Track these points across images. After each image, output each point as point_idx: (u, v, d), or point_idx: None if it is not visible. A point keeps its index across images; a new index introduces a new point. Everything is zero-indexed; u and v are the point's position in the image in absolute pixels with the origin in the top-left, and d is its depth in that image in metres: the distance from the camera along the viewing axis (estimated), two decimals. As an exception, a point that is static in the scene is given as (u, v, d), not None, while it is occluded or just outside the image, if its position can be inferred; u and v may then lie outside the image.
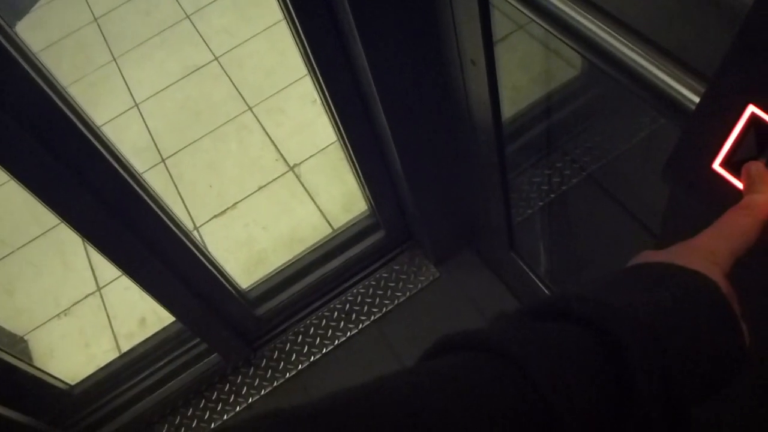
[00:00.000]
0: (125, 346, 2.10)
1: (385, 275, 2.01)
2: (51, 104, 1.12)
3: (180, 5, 3.25)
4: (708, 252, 0.48)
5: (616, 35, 0.68)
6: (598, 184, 1.91)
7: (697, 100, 0.59)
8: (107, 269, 2.30)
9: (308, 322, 1.97)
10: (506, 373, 0.36)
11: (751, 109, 0.51)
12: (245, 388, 1.90)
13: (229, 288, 1.76)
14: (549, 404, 0.35)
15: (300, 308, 1.97)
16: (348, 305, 1.97)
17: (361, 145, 1.60)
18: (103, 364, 1.88)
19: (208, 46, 3.00)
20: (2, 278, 2.45)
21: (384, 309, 1.94)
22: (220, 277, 1.70)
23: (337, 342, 1.91)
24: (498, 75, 1.17)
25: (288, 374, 1.89)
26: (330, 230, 2.18)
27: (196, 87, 2.85)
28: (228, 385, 1.92)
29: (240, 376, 1.93)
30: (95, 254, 2.12)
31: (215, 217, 2.37)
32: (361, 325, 1.92)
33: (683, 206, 0.75)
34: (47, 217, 2.29)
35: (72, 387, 1.82)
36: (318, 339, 1.93)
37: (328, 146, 2.44)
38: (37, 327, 2.28)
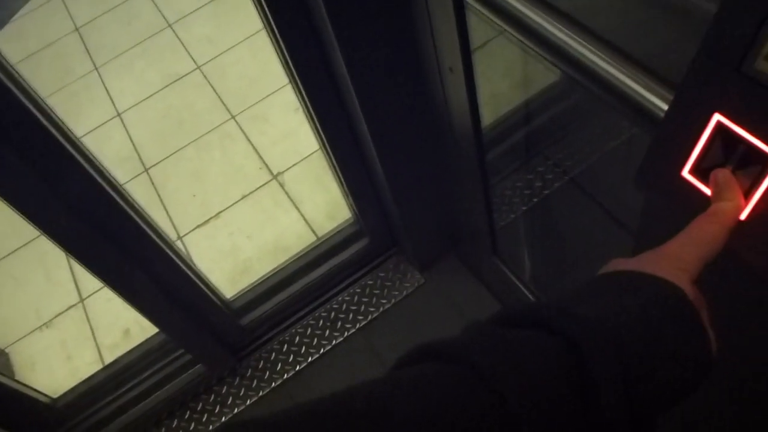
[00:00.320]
0: (108, 358, 2.09)
1: (370, 282, 2.01)
2: (29, 115, 1.12)
3: (162, 14, 3.24)
4: (676, 259, 0.49)
5: (586, 45, 0.69)
6: (580, 188, 1.92)
7: (665, 108, 0.60)
8: (90, 280, 2.28)
9: (293, 331, 1.97)
10: (470, 381, 0.37)
11: (717, 117, 0.52)
12: (230, 399, 1.89)
13: (214, 298, 1.75)
14: (512, 412, 0.35)
15: (285, 317, 1.97)
16: (333, 313, 1.97)
17: (343, 153, 1.60)
18: (86, 377, 1.86)
19: (190, 55, 2.99)
20: (-16, 291, 2.43)
21: (369, 316, 1.94)
22: (204, 287, 1.70)
23: (322, 350, 1.91)
24: (477, 82, 1.18)
25: (273, 384, 1.89)
26: (314, 238, 2.18)
27: (178, 96, 2.84)
28: (213, 395, 1.91)
29: (225, 387, 1.92)
30: (78, 265, 2.11)
31: (199, 226, 2.36)
32: (346, 333, 1.92)
33: (657, 211, 0.76)
34: (28, 229, 2.27)
35: (54, 400, 1.80)
36: (303, 348, 1.93)
37: (311, 154, 2.44)
38: (19, 339, 2.26)
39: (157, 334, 1.85)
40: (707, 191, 0.55)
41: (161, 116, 2.78)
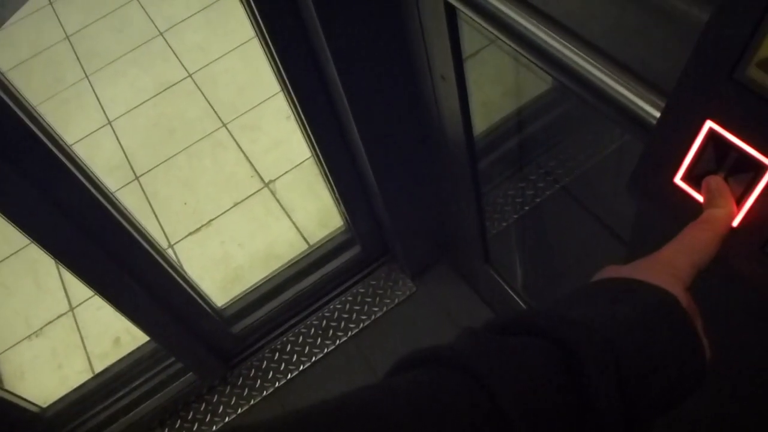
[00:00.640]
0: (99, 367, 2.08)
1: (362, 290, 2.00)
2: (19, 123, 1.11)
3: (153, 22, 3.24)
4: (669, 266, 0.49)
5: (579, 53, 0.69)
6: (572, 196, 1.93)
7: (658, 115, 0.60)
8: (80, 289, 2.27)
9: (285, 339, 1.96)
10: (465, 386, 0.37)
11: (709, 124, 0.52)
12: (222, 407, 1.88)
13: (205, 306, 1.75)
14: (507, 416, 0.35)
15: (276, 325, 1.96)
16: (325, 321, 1.97)
17: (335, 161, 1.60)
18: (76, 386, 1.85)
19: (181, 63, 2.99)
20: (-28, 300, 2.41)
21: (361, 324, 1.93)
22: (195, 296, 1.69)
23: (314, 359, 1.90)
24: (469, 90, 1.18)
25: (265, 392, 1.88)
26: (306, 246, 2.18)
27: (169, 104, 2.83)
28: (204, 404, 1.90)
29: (216, 395, 1.91)
30: (67, 274, 2.10)
31: (190, 234, 2.36)
32: (338, 341, 1.92)
33: (650, 219, 0.76)
34: (17, 237, 2.26)
35: (44, 409, 1.78)
36: (295, 356, 1.92)
37: (303, 162, 2.44)
38: (8, 348, 2.24)
39: (147, 342, 1.84)
40: (700, 198, 0.55)
41: (152, 124, 2.78)
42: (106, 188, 1.35)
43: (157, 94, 2.89)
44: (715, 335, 0.49)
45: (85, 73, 3.11)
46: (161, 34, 3.17)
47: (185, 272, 1.66)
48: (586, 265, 1.59)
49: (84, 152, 2.40)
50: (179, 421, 1.89)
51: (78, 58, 3.20)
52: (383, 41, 1.24)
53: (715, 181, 0.53)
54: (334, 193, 1.74)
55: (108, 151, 2.72)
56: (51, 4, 3.58)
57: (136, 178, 2.59)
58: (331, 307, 1.99)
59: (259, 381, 1.90)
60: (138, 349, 1.87)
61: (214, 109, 2.74)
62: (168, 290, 1.60)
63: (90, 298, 2.28)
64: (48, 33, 3.40)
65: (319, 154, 1.57)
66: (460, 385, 0.37)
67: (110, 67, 3.10)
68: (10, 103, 1.08)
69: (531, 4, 0.77)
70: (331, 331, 1.94)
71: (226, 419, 1.86)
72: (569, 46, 0.70)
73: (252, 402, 1.87)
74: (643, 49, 0.64)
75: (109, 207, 1.34)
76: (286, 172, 2.43)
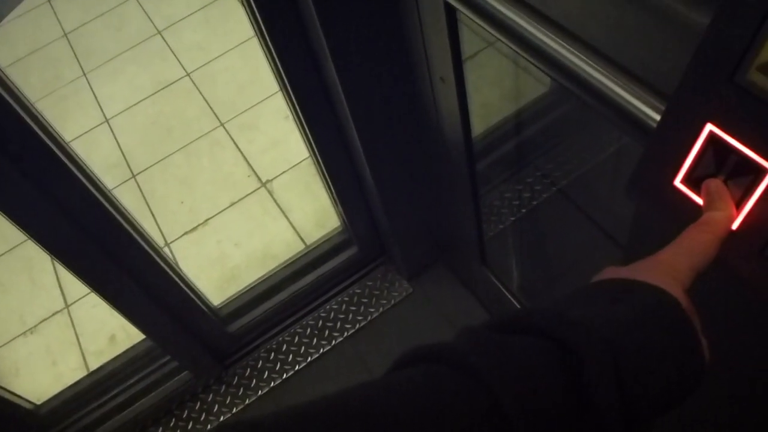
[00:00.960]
0: (94, 364, 2.07)
1: (359, 291, 2.00)
2: (18, 119, 1.11)
3: (151, 21, 3.24)
4: (669, 268, 0.49)
5: (579, 55, 0.69)
6: (569, 199, 1.93)
7: (658, 118, 0.60)
8: (76, 286, 2.27)
9: (281, 338, 1.96)
10: (465, 384, 0.37)
11: (710, 127, 0.52)
12: (216, 406, 1.88)
13: (201, 305, 1.74)
14: (506, 416, 0.35)
15: (272, 325, 1.96)
16: (321, 322, 1.97)
17: (333, 161, 1.60)
18: (70, 383, 1.84)
19: (179, 62, 2.99)
20: (-33, 296, 2.40)
21: (357, 325, 1.93)
22: (191, 294, 1.69)
23: (310, 359, 1.90)
24: (467, 92, 1.18)
25: (260, 392, 1.88)
26: (303, 246, 2.18)
27: (167, 103, 2.83)
28: (199, 403, 1.90)
29: (211, 394, 1.91)
30: (63, 271, 2.09)
31: (187, 233, 2.35)
32: (334, 342, 1.92)
33: (648, 221, 0.76)
34: (13, 234, 2.25)
35: (38, 406, 1.78)
36: (291, 356, 1.92)
37: (300, 162, 2.44)
38: (3, 345, 2.23)
39: (143, 340, 1.84)
40: (699, 201, 0.55)
41: (150, 122, 2.77)
42: (104, 186, 1.34)
43: (155, 93, 2.89)
44: (714, 337, 0.49)
45: (83, 71, 3.11)
46: (159, 32, 3.17)
47: (181, 271, 1.66)
48: (582, 268, 1.59)
49: (81, 150, 2.40)
50: (174, 420, 1.88)
51: (76, 56, 3.20)
52: (383, 42, 1.24)
53: (715, 184, 0.53)
54: (332, 194, 1.74)
55: (105, 149, 2.72)
56: (49, 1, 3.57)
57: (134, 176, 2.59)
58: (328, 307, 1.99)
59: (254, 380, 1.90)
60: (133, 347, 1.87)
61: (212, 109, 2.74)
62: (164, 289, 1.60)
63: (85, 295, 2.27)
64: (46, 30, 3.39)
65: (317, 155, 1.57)
66: (459, 384, 0.37)
67: (108, 65, 3.10)
68: (9, 100, 1.08)
69: (530, 5, 0.77)
70: (327, 332, 1.94)
71: (221, 418, 1.86)
72: (569, 48, 0.70)
73: (247, 401, 1.87)
74: (643, 52, 0.64)
75: (107, 205, 1.34)
76: (284, 172, 2.43)
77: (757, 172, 0.50)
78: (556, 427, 0.37)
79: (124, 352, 1.87)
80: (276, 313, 1.93)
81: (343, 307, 1.98)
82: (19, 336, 2.24)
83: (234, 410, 1.86)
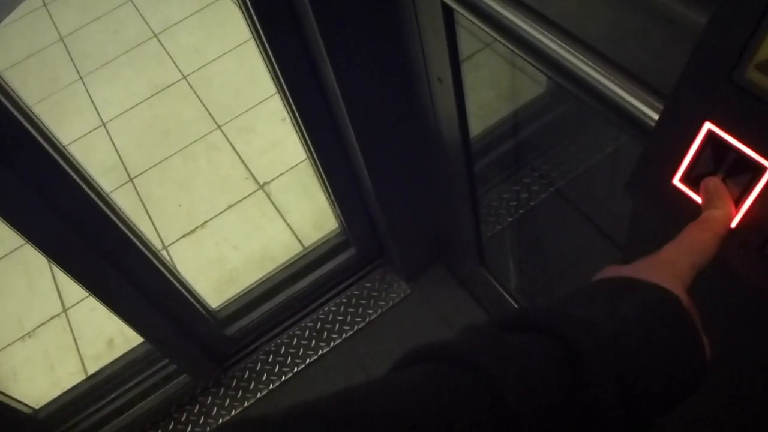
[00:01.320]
0: (92, 368, 2.07)
1: (357, 293, 2.00)
2: (15, 123, 1.11)
3: (147, 24, 3.24)
4: (670, 266, 0.49)
5: (577, 54, 0.69)
6: (566, 199, 1.93)
7: (656, 117, 0.61)
8: (73, 290, 2.27)
9: (279, 341, 1.96)
10: (469, 381, 0.37)
11: (708, 126, 0.52)
12: (215, 409, 1.88)
13: (199, 307, 1.74)
14: (510, 411, 0.35)
15: (271, 327, 1.96)
16: (319, 323, 1.97)
17: (330, 163, 1.60)
18: (69, 387, 1.84)
19: (176, 65, 2.98)
20: (-35, 301, 2.39)
21: (356, 326, 1.93)
22: (189, 297, 1.69)
23: (308, 360, 1.90)
24: (465, 92, 1.18)
25: (259, 394, 1.87)
26: (301, 248, 2.17)
27: (164, 106, 2.83)
28: (198, 406, 1.90)
29: (210, 397, 1.90)
30: (61, 275, 2.09)
31: (184, 236, 2.35)
32: (332, 343, 1.92)
33: (646, 221, 0.76)
34: (11, 238, 2.25)
35: (36, 411, 1.78)
36: (289, 358, 1.92)
37: (298, 164, 2.44)
38: (1, 350, 2.23)
39: (141, 344, 1.83)
40: (698, 199, 0.55)
41: (147, 126, 2.77)
42: (101, 189, 1.34)
43: (151, 96, 2.88)
44: (714, 335, 0.49)
45: (80, 75, 3.11)
46: (156, 35, 3.17)
47: (179, 273, 1.66)
48: (580, 268, 1.59)
49: (78, 153, 2.40)
50: (172, 423, 1.88)
51: (72, 60, 3.20)
52: (380, 43, 1.24)
53: (714, 182, 0.53)
54: (330, 196, 1.74)
55: (102, 153, 2.71)
56: (45, 5, 3.57)
57: (131, 179, 2.58)
58: (326, 309, 1.99)
59: (253, 383, 1.90)
60: (131, 350, 1.87)
61: (209, 111, 2.74)
62: (162, 292, 1.60)
63: (83, 299, 2.27)
64: (42, 34, 3.39)
65: (315, 156, 1.57)
66: (463, 382, 0.37)
67: (105, 69, 3.10)
68: (6, 104, 1.08)
69: (528, 5, 0.77)
70: (325, 333, 1.94)
71: (220, 421, 1.85)
72: (567, 47, 0.70)
73: (246, 404, 1.87)
74: (641, 51, 0.64)
75: (104, 208, 1.33)
76: (281, 174, 2.43)
77: (756, 170, 0.50)
78: (559, 424, 0.37)
79: (123, 356, 1.87)
80: (274, 315, 1.93)
81: (342, 308, 1.98)
82: (17, 340, 2.24)
83: (233, 413, 1.86)
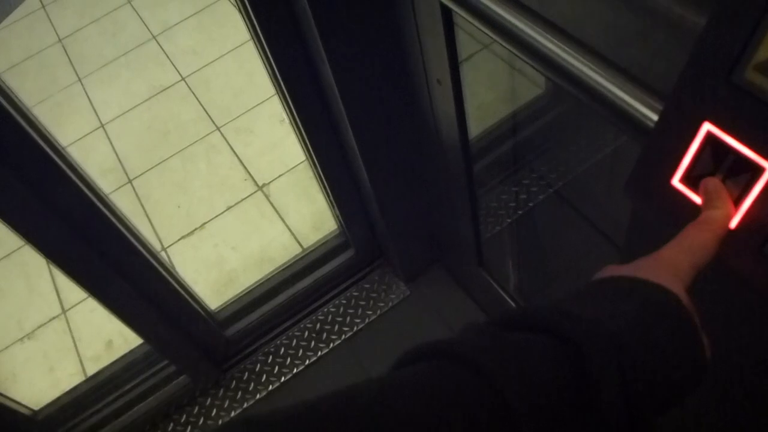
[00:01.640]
0: (91, 370, 2.07)
1: (356, 294, 2.00)
2: (15, 125, 1.11)
3: (146, 26, 3.24)
4: (670, 266, 0.49)
5: (576, 55, 0.70)
6: (565, 200, 1.94)
7: (655, 118, 0.61)
8: (72, 292, 2.27)
9: (278, 342, 1.96)
10: (470, 380, 0.37)
11: (707, 126, 0.52)
12: (215, 410, 1.88)
13: (198, 309, 1.74)
14: (511, 409, 0.35)
15: (270, 328, 1.96)
16: (319, 324, 1.97)
17: (330, 164, 1.60)
18: (68, 388, 1.84)
19: (174, 67, 2.98)
20: (-36, 303, 2.39)
21: (355, 328, 1.93)
22: (188, 298, 1.69)
23: (308, 362, 1.90)
24: (464, 94, 1.19)
25: (258, 395, 1.87)
26: (300, 249, 2.18)
27: (163, 107, 2.83)
28: (197, 407, 1.89)
29: (209, 398, 1.90)
30: (60, 276, 2.09)
31: (183, 237, 2.35)
32: (332, 344, 1.92)
33: (645, 221, 0.76)
34: (11, 239, 2.25)
35: (36, 412, 1.77)
36: (288, 359, 1.92)
37: (297, 165, 2.44)
38: (0, 351, 2.22)
39: (140, 345, 1.83)
40: (697, 200, 0.56)
41: (146, 127, 2.77)
42: (101, 190, 1.34)
43: (150, 98, 2.88)
44: (713, 335, 0.49)
45: (78, 77, 3.11)
46: (154, 37, 3.17)
47: (179, 275, 1.66)
48: (579, 269, 1.60)
49: (77, 155, 2.40)
50: (172, 425, 1.88)
51: (71, 62, 3.20)
52: (379, 44, 1.24)
53: (713, 182, 0.53)
54: (329, 197, 1.74)
55: (101, 154, 2.71)
56: (44, 7, 3.57)
57: (130, 181, 2.58)
58: (325, 310, 1.99)
59: (252, 384, 1.90)
60: (131, 351, 1.87)
61: (207, 113, 2.74)
62: (161, 293, 1.60)
63: (82, 301, 2.27)
64: (41, 36, 3.39)
65: (314, 158, 1.57)
66: (464, 380, 0.37)
67: (103, 71, 3.10)
68: (6, 105, 1.08)
69: (526, 6, 0.77)
70: (324, 335, 1.94)
71: (219, 422, 1.85)
72: (566, 48, 0.71)
73: (245, 405, 1.86)
74: (641, 52, 0.64)
75: (103, 209, 1.33)
76: (280, 176, 2.43)
77: (755, 171, 0.51)
78: (561, 422, 0.37)
79: (122, 357, 1.87)
80: (273, 316, 1.93)
81: (341, 309, 1.98)
82: (16, 342, 2.24)
83: (232, 414, 1.86)
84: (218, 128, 2.66)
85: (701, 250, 0.51)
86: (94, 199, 1.30)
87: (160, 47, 3.11)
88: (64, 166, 1.22)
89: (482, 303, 1.87)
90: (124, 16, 3.34)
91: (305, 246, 2.18)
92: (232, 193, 2.43)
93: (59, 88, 3.07)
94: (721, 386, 0.77)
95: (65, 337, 2.21)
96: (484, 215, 1.86)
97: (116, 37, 3.25)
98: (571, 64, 0.70)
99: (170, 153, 2.63)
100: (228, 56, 2.95)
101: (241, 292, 1.92)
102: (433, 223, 1.79)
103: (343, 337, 1.92)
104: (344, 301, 1.99)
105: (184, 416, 1.89)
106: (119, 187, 2.57)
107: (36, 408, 1.78)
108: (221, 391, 1.91)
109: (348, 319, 1.95)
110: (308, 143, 1.52)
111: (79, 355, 2.15)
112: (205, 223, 2.37)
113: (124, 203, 2.47)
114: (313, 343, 1.93)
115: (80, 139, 2.81)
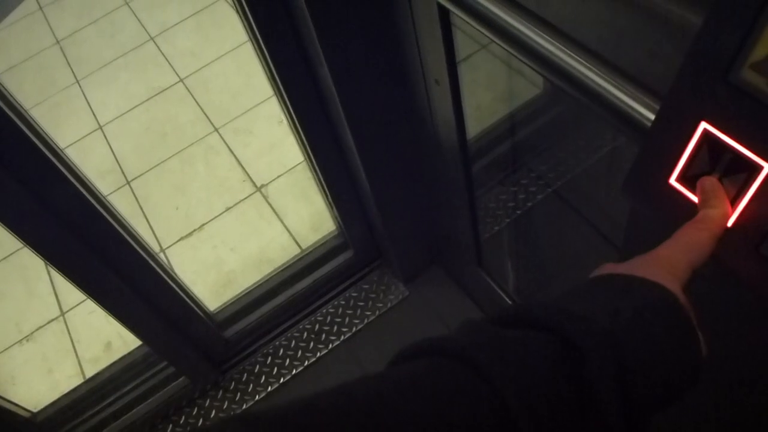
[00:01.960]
0: (90, 372, 2.06)
1: (355, 295, 2.00)
2: (13, 126, 1.11)
3: (144, 27, 3.24)
4: (667, 264, 0.49)
5: (573, 55, 0.70)
6: (563, 200, 1.94)
7: (652, 117, 0.61)
8: (71, 293, 2.27)
9: (277, 343, 1.96)
10: (468, 377, 0.37)
11: (704, 125, 0.52)
12: (214, 412, 1.88)
13: (197, 310, 1.74)
14: (508, 407, 0.35)
15: (269, 329, 1.96)
16: (317, 325, 1.97)
17: (328, 165, 1.60)
18: (67, 390, 1.84)
19: (173, 68, 2.98)
20: (-38, 305, 2.39)
21: (354, 328, 1.93)
22: (187, 300, 1.69)
23: (306, 363, 1.90)
24: (462, 94, 1.19)
25: (257, 396, 1.87)
26: (298, 250, 2.18)
27: (161, 109, 2.83)
28: (196, 408, 1.89)
29: (208, 400, 1.90)
30: (59, 278, 2.09)
31: (182, 239, 2.35)
32: (330, 345, 1.92)
33: (643, 221, 0.76)
34: (9, 242, 2.25)
35: (35, 414, 1.77)
36: (287, 360, 1.92)
37: (295, 166, 2.44)
38: (-1, 353, 2.23)
39: (139, 347, 1.83)
40: (694, 199, 0.56)
41: (144, 129, 2.77)
42: (99, 192, 1.34)
43: (148, 99, 2.88)
44: (710, 334, 0.49)
45: (76, 78, 3.11)
46: (152, 39, 3.17)
47: (177, 276, 1.66)
48: (578, 269, 1.60)
49: (75, 156, 2.40)
50: (171, 426, 1.88)
51: (69, 63, 3.20)
52: (377, 45, 1.24)
53: (710, 181, 0.54)
54: (327, 198, 1.74)
55: (99, 156, 2.71)
56: (41, 9, 3.57)
57: (128, 182, 2.58)
58: (324, 311, 1.99)
59: (251, 385, 1.90)
60: (129, 353, 1.87)
61: (206, 114, 2.74)
62: (160, 294, 1.60)
63: (81, 302, 2.27)
64: (39, 37, 3.39)
65: (312, 158, 1.57)
66: (462, 377, 0.37)
67: (101, 72, 3.10)
68: (4, 107, 1.08)
69: (524, 6, 0.77)
70: (323, 336, 1.94)
71: (219, 424, 1.85)
72: (563, 48, 0.71)
73: (244, 406, 1.86)
74: (637, 52, 0.64)
75: (102, 211, 1.33)
76: (279, 177, 2.43)
77: (752, 170, 0.51)
78: (558, 420, 0.37)
79: (121, 359, 1.87)
80: (272, 317, 1.93)
81: (340, 310, 1.98)
82: (14, 344, 2.24)
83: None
84: (216, 129, 2.66)
85: (698, 249, 0.51)
86: (93, 201, 1.30)
87: (159, 48, 3.11)
88: (62, 168, 1.22)
89: (481, 303, 1.87)
90: (122, 17, 3.34)
91: (304, 247, 2.18)
92: (231, 194, 2.43)
93: (57, 90, 3.07)
94: (717, 385, 0.77)
95: (64, 339, 2.21)
96: (482, 215, 1.86)
97: (114, 38, 3.25)
98: (569, 64, 0.70)
99: (169, 154, 2.63)
100: (226, 57, 2.95)
101: (240, 293, 1.92)
102: (431, 223, 1.79)
103: (342, 337, 1.92)
104: (343, 302, 1.99)
105: (184, 417, 1.88)
106: (117, 189, 2.57)
107: (35, 410, 1.78)
108: (220, 392, 1.91)
109: (347, 319, 1.95)
110: (307, 144, 1.52)
111: (77, 357, 2.15)
112: (203, 225, 2.37)
113: (122, 205, 2.47)
114: (312, 344, 1.93)
115: (78, 140, 2.81)
